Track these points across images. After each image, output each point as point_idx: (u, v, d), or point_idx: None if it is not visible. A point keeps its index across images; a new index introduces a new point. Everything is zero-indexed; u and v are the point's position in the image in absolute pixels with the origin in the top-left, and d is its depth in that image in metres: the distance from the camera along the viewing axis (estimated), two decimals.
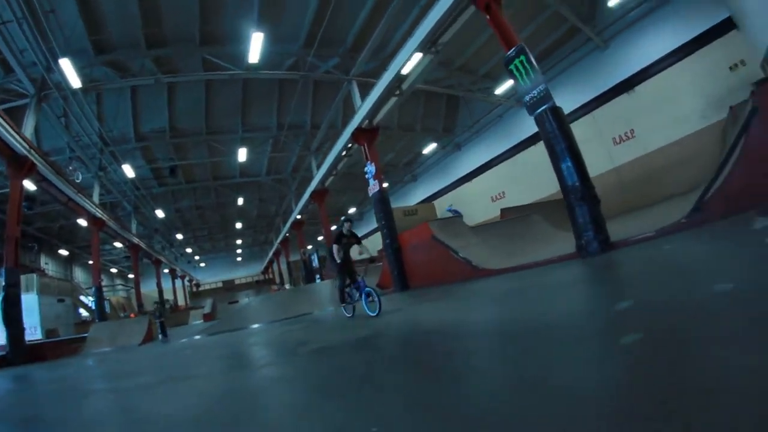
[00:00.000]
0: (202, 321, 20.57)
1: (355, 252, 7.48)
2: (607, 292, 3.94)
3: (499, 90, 18.73)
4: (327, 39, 13.27)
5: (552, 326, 2.87)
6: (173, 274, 37.19)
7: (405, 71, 11.44)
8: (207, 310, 21.77)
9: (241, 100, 16.84)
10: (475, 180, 23.73)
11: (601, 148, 16.20)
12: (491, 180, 22.57)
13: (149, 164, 20.05)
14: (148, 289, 29.70)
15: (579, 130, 15.55)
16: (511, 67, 7.52)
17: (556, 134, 6.90)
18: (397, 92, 12.32)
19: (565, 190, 6.89)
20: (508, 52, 7.58)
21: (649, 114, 14.89)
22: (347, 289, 7.15)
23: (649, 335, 2.03)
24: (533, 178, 18.27)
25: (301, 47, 13.90)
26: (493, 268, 8.54)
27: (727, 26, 13.03)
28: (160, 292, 28.53)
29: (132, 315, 22.61)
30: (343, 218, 7.40)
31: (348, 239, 7.13)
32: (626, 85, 15.68)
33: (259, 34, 11.04)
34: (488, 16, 8.35)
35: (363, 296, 6.59)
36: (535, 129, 7.38)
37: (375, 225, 19.66)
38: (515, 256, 9.31)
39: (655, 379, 1.51)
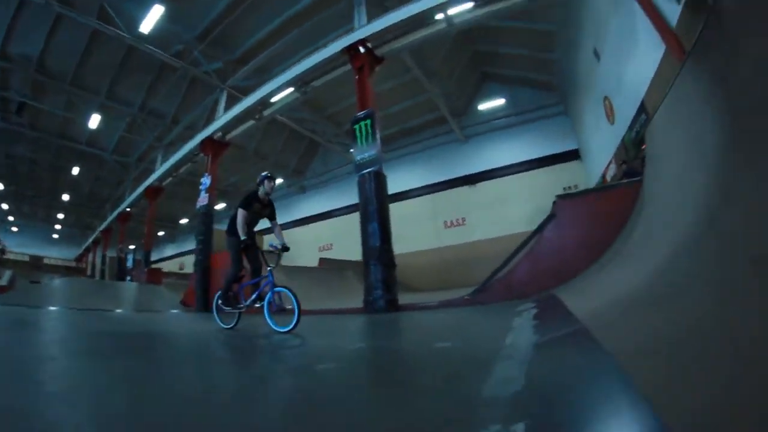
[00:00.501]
0: None
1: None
2: (361, 338, 4.43)
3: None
4: (220, 41, 13.16)
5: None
6: None
7: (273, 99, 11.59)
8: (4, 282, 18.25)
9: (118, 65, 15.55)
10: (310, 225, 23.93)
11: (432, 226, 17.97)
12: (324, 230, 22.96)
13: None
14: None
15: (417, 206, 18.00)
16: (356, 126, 8.04)
17: (372, 197, 7.41)
18: (257, 116, 12.34)
19: (365, 248, 7.33)
20: (359, 113, 8.11)
21: (483, 209, 16.89)
22: (236, 287, 5.31)
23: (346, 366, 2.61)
24: (357, 238, 18.64)
25: (194, 38, 13.43)
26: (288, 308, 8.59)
27: (572, 155, 16.07)
28: None
29: None
30: (264, 174, 5.32)
31: (262, 207, 5.33)
32: (471, 179, 17.72)
33: (160, 7, 10.50)
34: (357, 76, 9.01)
35: (267, 299, 4.88)
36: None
37: None
38: (317, 301, 9.51)
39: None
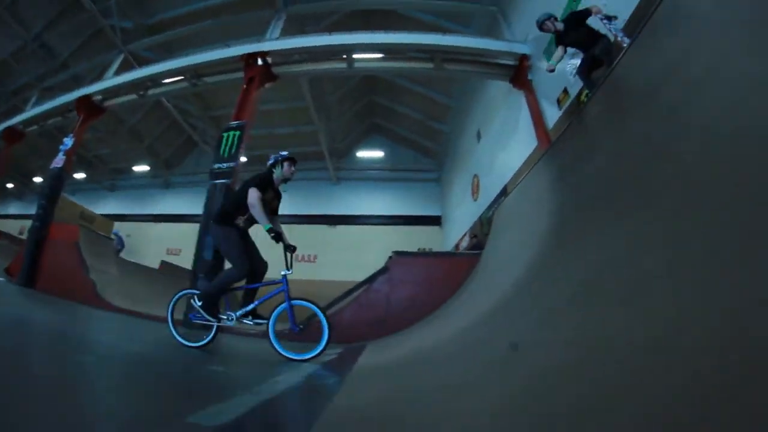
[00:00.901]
0: None
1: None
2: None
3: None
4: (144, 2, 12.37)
5: None
6: None
7: (165, 80, 11.12)
8: None
9: None
10: (165, 224, 22.29)
11: (281, 254, 17.36)
12: (176, 232, 21.33)
13: None
14: None
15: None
16: (225, 134, 7.84)
17: (217, 210, 7.25)
18: (142, 92, 11.69)
19: (197, 259, 7.08)
20: (232, 122, 8.01)
21: (337, 251, 17.07)
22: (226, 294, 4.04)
23: None
24: None
25: None
26: (114, 303, 8.00)
27: (434, 221, 17.18)
28: None
29: None
30: (284, 154, 4.45)
31: (274, 196, 4.34)
32: (333, 220, 18.02)
33: None
34: (245, 86, 9.00)
35: (275, 315, 3.91)
36: None
37: None
38: (145, 304, 8.96)
39: None
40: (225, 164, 7.53)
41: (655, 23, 2.68)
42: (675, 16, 2.46)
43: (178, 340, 3.96)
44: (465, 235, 13.43)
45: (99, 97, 12.05)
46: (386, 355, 3.77)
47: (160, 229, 22.10)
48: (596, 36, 5.04)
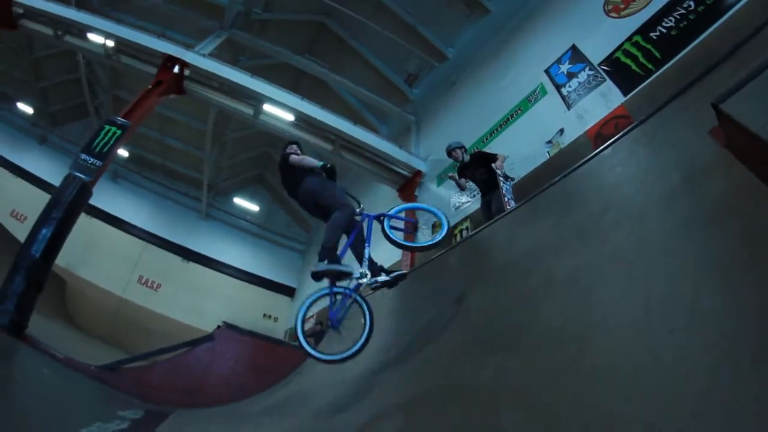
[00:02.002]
0: None
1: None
2: None
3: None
4: None
5: None
6: None
7: (89, 34, 10.21)
8: None
9: None
10: (20, 180, 18.03)
11: (124, 272, 15.80)
12: (30, 197, 16.15)
13: None
14: None
15: (124, 242, 15.69)
16: (106, 126, 7.36)
17: (65, 203, 6.47)
18: (60, 33, 10.31)
19: (22, 252, 6.21)
20: (119, 118, 7.60)
21: (183, 289, 15.84)
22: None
23: None
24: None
25: None
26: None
27: (288, 291, 17.11)
28: None
29: None
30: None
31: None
32: (189, 254, 16.83)
33: None
34: (150, 86, 8.72)
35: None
36: None
37: None
38: None
39: None
40: (93, 159, 6.96)
41: (543, 201, 3.05)
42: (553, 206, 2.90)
43: (316, 356, 3.22)
44: (313, 316, 13.72)
45: (19, 10, 10.42)
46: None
47: (14, 184, 18.06)
48: (494, 183, 5.43)
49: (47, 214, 6.53)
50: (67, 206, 6.57)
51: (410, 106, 12.20)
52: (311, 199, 3.87)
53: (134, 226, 16.38)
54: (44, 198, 16.90)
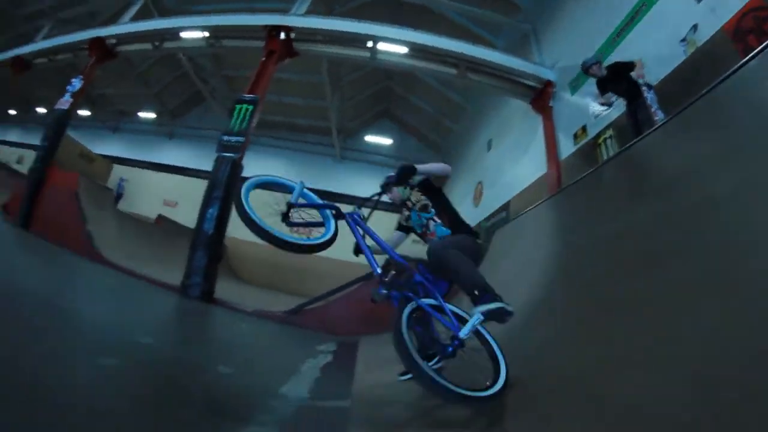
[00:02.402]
0: None
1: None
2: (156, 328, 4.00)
3: None
4: None
5: None
6: None
7: (183, 34, 10.89)
8: None
9: None
10: (163, 174, 22.13)
11: (275, 225, 17.48)
12: (175, 184, 21.37)
13: None
14: None
15: (271, 200, 17.27)
16: (237, 106, 7.80)
17: (222, 183, 7.16)
18: (157, 43, 11.39)
19: (197, 231, 7.04)
20: (246, 95, 7.95)
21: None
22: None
23: None
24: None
25: None
26: (109, 259, 8.03)
27: None
28: None
29: None
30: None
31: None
32: (332, 197, 17.74)
33: None
34: (264, 59, 8.93)
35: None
36: None
37: None
38: (135, 259, 8.98)
39: None
40: (234, 138, 7.49)
41: (694, 112, 2.73)
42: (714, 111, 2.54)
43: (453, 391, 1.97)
44: None
45: (113, 41, 11.83)
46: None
47: (159, 179, 21.86)
48: (636, 92, 5.10)
49: (210, 195, 7.27)
50: (226, 185, 7.11)
51: (521, 15, 11.32)
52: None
53: None
54: (186, 181, 19.40)
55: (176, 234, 12.54)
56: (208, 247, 6.90)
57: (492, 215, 11.44)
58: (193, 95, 20.95)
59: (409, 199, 3.36)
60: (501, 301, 2.32)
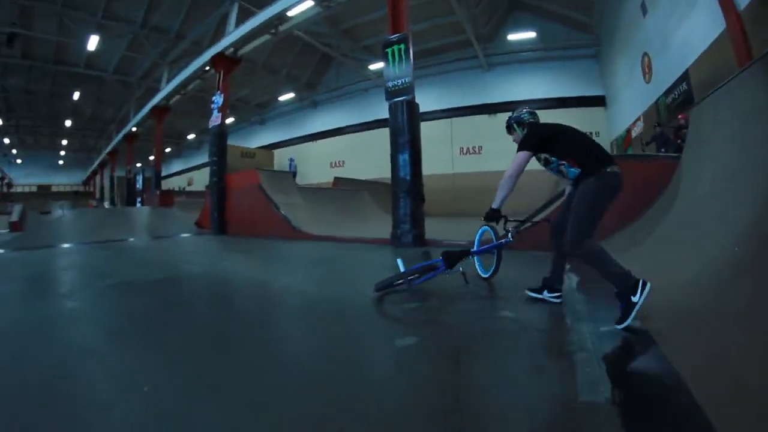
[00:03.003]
0: (8, 230, 17.16)
1: None
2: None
3: (374, 66, 18.79)
4: None
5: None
6: None
7: (290, 13, 10.96)
8: (14, 218, 17.93)
9: None
10: (320, 141, 23.70)
11: (447, 152, 18.15)
12: (336, 146, 22.88)
13: None
14: None
15: (434, 129, 17.67)
16: (388, 50, 7.60)
17: (404, 127, 7.15)
18: (273, 31, 11.68)
19: (395, 180, 7.23)
20: (391, 36, 7.64)
21: (500, 140, 16.28)
22: None
23: None
24: (375, 157, 17.92)
25: None
26: (311, 232, 8.76)
27: (596, 101, 16.15)
28: None
29: None
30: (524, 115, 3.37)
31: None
32: (491, 108, 17.49)
33: None
34: None
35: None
36: None
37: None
38: (336, 226, 9.64)
39: None
40: (399, 81, 7.33)
41: None
42: None
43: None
44: (638, 120, 12.48)
45: (231, 50, 12.39)
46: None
47: (319, 147, 23.71)
48: None
49: (396, 142, 7.32)
50: (408, 127, 7.03)
51: None
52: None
53: (432, 111, 17.62)
54: (344, 140, 21.53)
55: (355, 189, 13.44)
56: (409, 192, 7.01)
57: (670, 89, 10.22)
58: (321, 61, 21.87)
59: None
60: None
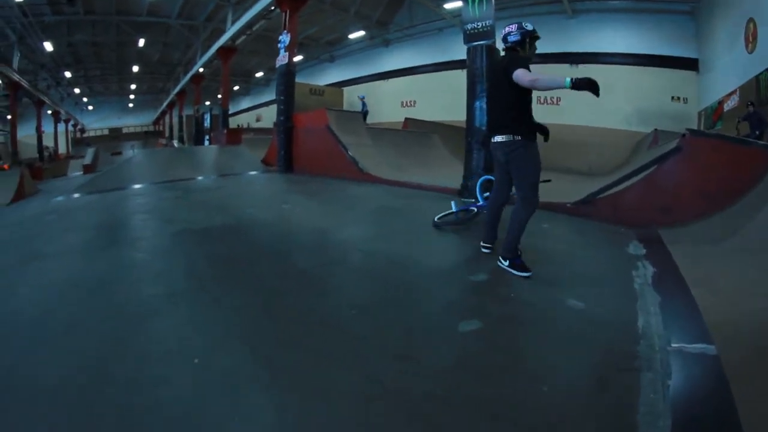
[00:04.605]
0: (82, 173, 18.48)
1: None
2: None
3: (450, 5, 17.89)
4: None
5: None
6: (56, 117, 33.93)
7: None
8: (88, 161, 19.26)
9: None
10: (391, 80, 23.56)
11: None
12: (408, 86, 22.69)
13: None
14: (26, 133, 27.59)
15: None
16: None
17: (482, 73, 6.83)
18: None
19: (469, 129, 7.00)
20: None
21: (580, 93, 15.41)
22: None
23: None
24: (447, 99, 17.46)
25: None
26: (378, 176, 8.73)
27: (688, 64, 14.73)
28: (39, 138, 26.57)
29: (5, 166, 19.18)
30: (528, 27, 3.63)
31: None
32: (573, 58, 16.48)
33: None
34: None
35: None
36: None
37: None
38: (404, 170, 9.56)
39: None
40: (479, 23, 6.93)
41: None
42: None
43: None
44: (734, 93, 11.54)
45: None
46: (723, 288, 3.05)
47: (390, 86, 23.75)
48: None
49: (472, 88, 7.03)
50: (490, 72, 6.74)
51: None
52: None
53: None
54: (416, 79, 22.01)
55: (425, 132, 13.32)
56: (484, 144, 6.77)
57: None
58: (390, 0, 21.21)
59: None
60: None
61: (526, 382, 1.82)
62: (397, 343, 2.13)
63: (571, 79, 2.93)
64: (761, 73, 9.85)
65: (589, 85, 2.92)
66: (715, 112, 12.86)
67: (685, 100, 14.60)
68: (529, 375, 1.88)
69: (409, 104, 22.28)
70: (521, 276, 3.05)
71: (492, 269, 3.22)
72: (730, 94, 11.72)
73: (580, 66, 16.00)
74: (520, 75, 3.08)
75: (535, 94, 3.38)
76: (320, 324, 2.33)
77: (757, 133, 8.91)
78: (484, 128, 6.78)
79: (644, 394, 1.71)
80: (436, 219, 4.63)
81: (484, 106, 6.74)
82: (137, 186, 8.92)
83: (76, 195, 8.16)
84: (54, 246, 4.19)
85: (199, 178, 10.13)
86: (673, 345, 2.14)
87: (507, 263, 3.14)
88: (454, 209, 4.74)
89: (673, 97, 14.81)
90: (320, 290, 2.88)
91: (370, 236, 4.45)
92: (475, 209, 4.80)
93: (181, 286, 2.93)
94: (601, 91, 2.89)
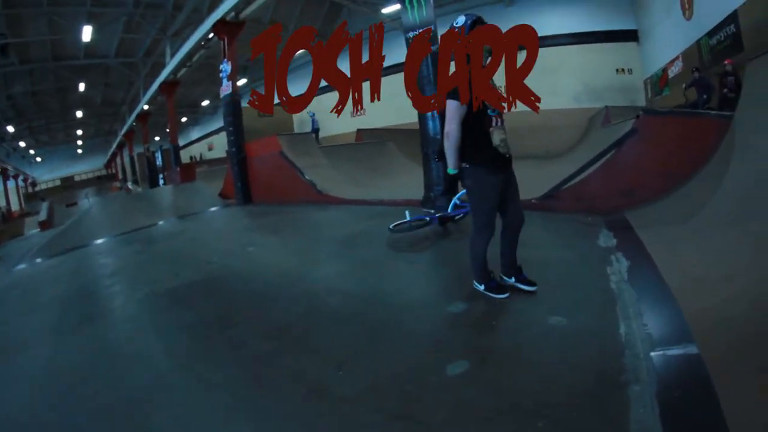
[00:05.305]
0: (39, 230, 17.56)
1: None
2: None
3: (387, 10, 17.28)
4: None
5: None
6: (5, 174, 32.58)
7: None
8: (43, 216, 18.17)
9: None
10: (335, 92, 23.28)
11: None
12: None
13: None
14: None
15: None
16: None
17: (431, 81, 6.68)
18: None
19: (424, 138, 6.79)
20: None
21: (529, 78, 15.69)
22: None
23: None
24: (398, 102, 17.30)
25: None
26: (338, 196, 8.57)
27: (628, 35, 15.16)
28: None
29: None
30: (472, 14, 3.01)
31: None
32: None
33: None
34: None
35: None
36: None
37: None
38: (363, 185, 9.52)
39: None
40: (420, 29, 6.78)
41: None
42: None
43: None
44: (676, 59, 11.92)
45: (232, 14, 11.97)
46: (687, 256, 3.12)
47: (335, 97, 23.14)
48: None
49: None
50: (436, 80, 6.56)
51: None
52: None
53: None
54: (364, 88, 21.03)
55: (379, 143, 13.19)
56: (440, 155, 6.54)
57: (715, 30, 9.69)
58: (330, 10, 20.99)
59: None
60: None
61: (522, 422, 1.78)
62: (391, 401, 2.03)
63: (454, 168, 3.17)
64: (701, 38, 10.15)
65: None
66: (660, 80, 13.26)
67: (630, 71, 15.04)
68: (524, 412, 1.84)
69: (360, 113, 21.88)
70: (498, 298, 2.97)
71: (468, 294, 3.12)
72: (673, 61, 12.09)
73: (522, 51, 16.01)
74: (448, 110, 2.98)
75: None
76: (310, 393, 2.20)
77: (705, 97, 9.14)
78: (439, 137, 6.65)
79: (634, 410, 1.71)
80: (391, 227, 5.01)
81: (436, 114, 6.62)
82: (98, 241, 8.54)
83: (39, 260, 7.76)
84: (22, 331, 3.90)
85: (160, 222, 9.83)
86: (657, 350, 2.11)
87: (483, 287, 3.06)
88: (408, 218, 5.15)
89: (618, 70, 15.22)
90: (304, 348, 2.74)
91: (342, 272, 4.29)
92: (428, 218, 5.15)
93: (164, 366, 2.75)
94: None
